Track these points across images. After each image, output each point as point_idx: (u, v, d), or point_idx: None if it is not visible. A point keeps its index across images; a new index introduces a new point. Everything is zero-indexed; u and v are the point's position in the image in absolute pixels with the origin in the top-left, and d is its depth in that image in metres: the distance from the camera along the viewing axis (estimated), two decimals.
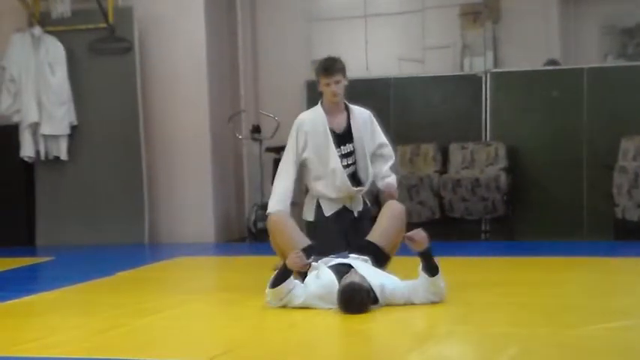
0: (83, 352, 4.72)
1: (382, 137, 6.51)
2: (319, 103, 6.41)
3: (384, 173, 6.45)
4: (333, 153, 6.25)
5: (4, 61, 10.25)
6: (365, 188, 6.36)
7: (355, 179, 6.32)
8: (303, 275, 5.73)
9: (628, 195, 9.12)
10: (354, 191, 6.28)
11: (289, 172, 6.37)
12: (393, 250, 6.09)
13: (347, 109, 6.39)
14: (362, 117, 6.41)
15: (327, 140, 6.27)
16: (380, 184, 6.46)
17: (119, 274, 7.69)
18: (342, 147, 6.29)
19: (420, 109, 10.33)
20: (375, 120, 6.50)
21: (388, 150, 6.52)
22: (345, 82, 6.28)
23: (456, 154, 9.97)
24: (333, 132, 6.29)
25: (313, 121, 6.34)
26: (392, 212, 6.10)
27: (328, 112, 6.34)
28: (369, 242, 5.98)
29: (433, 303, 5.57)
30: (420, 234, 5.59)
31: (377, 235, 6.03)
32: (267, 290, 5.66)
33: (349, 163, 6.31)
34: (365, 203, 6.42)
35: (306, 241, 6.00)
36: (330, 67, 6.24)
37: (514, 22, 10.44)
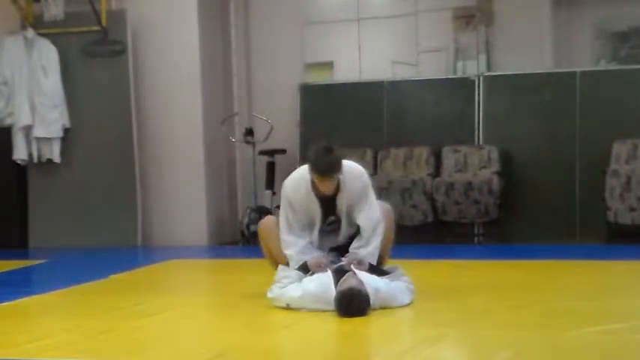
0: (78, 355, 4.71)
1: (362, 215, 5.93)
2: (309, 170, 5.84)
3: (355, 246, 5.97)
4: (316, 230, 5.92)
5: None
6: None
7: (335, 237, 6.02)
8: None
9: (620, 198, 9.14)
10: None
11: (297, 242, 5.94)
12: (385, 250, 6.05)
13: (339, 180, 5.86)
14: (354, 187, 5.89)
15: (315, 214, 5.90)
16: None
17: (112, 276, 7.68)
18: (328, 217, 5.94)
19: (413, 113, 10.33)
20: (368, 195, 5.95)
21: (368, 222, 5.94)
22: (339, 176, 5.78)
23: (448, 157, 9.98)
24: (322, 203, 5.87)
25: (302, 199, 5.89)
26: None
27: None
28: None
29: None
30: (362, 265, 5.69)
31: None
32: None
33: (332, 228, 5.99)
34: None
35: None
36: (326, 168, 5.73)
37: (507, 26, 10.45)
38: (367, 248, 5.88)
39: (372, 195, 5.99)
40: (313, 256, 5.80)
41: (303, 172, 5.91)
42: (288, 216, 5.94)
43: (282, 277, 5.79)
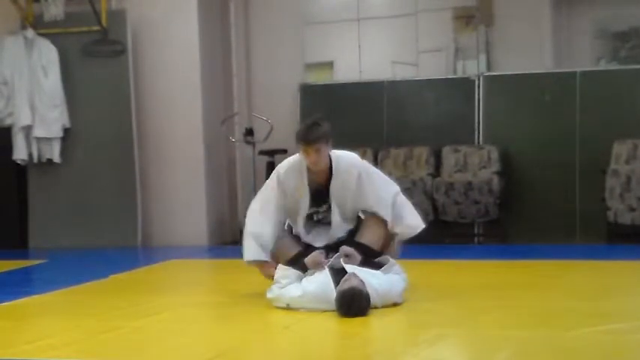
0: (78, 355, 4.71)
1: (371, 200, 5.93)
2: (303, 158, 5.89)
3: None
4: (302, 215, 5.94)
5: None
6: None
7: (327, 227, 6.00)
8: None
9: (620, 198, 9.14)
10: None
11: (270, 217, 5.96)
12: (385, 245, 6.02)
13: (331, 165, 5.88)
14: (347, 174, 5.88)
15: (304, 201, 5.91)
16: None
17: (113, 276, 7.68)
18: (318, 207, 5.95)
19: (413, 113, 10.34)
20: (370, 176, 5.97)
21: (383, 202, 5.96)
22: (328, 149, 5.80)
23: (448, 157, 9.99)
24: (312, 191, 5.90)
25: (295, 180, 5.93)
26: (375, 219, 6.03)
27: (310, 168, 5.89)
28: (358, 243, 5.93)
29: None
30: (353, 258, 5.69)
31: (364, 234, 5.97)
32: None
33: (321, 218, 5.99)
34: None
35: (296, 246, 6.00)
36: (308, 136, 5.74)
37: (507, 26, 10.45)
38: (403, 222, 5.95)
39: (376, 177, 6.00)
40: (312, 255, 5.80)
41: (300, 156, 5.93)
42: (269, 194, 5.98)
43: (282, 277, 5.78)
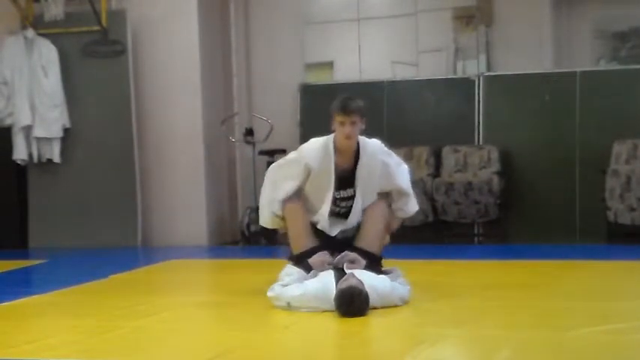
0: (78, 355, 4.71)
1: (399, 183, 6.02)
2: (332, 136, 5.91)
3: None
4: (328, 200, 5.89)
5: None
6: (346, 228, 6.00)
7: (345, 219, 5.99)
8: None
9: (620, 198, 9.14)
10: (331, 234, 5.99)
11: (291, 184, 5.97)
12: (381, 248, 6.03)
13: (358, 148, 5.92)
14: (374, 159, 5.94)
15: (328, 184, 5.87)
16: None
17: (113, 276, 7.68)
18: (341, 191, 5.91)
19: (413, 113, 10.35)
20: (392, 159, 6.05)
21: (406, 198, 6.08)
22: (361, 126, 5.86)
23: (449, 157, 9.99)
24: (338, 174, 5.88)
25: (321, 160, 5.88)
26: (375, 215, 6.00)
27: (338, 149, 5.88)
28: (359, 249, 5.92)
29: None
30: (357, 264, 5.71)
31: (365, 240, 5.96)
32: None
33: (345, 206, 5.95)
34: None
35: (309, 243, 5.99)
36: (347, 105, 5.78)
37: (507, 26, 10.45)
38: (408, 206, 6.06)
39: (394, 160, 6.07)
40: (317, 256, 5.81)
41: (327, 138, 5.92)
42: (288, 171, 5.98)
43: (285, 275, 5.79)
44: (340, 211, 5.98)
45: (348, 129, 5.78)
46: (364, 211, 6.00)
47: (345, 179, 5.90)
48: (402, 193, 6.05)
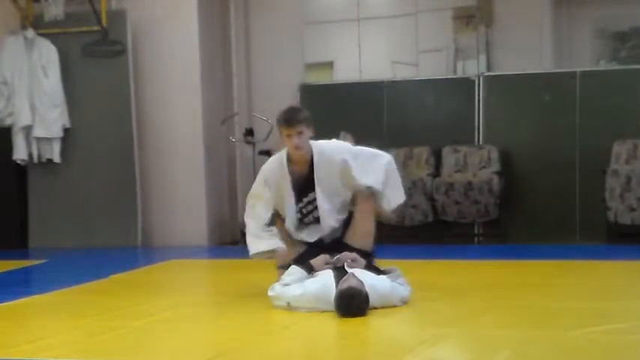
0: (78, 355, 4.71)
1: (363, 183, 5.94)
2: (285, 151, 5.99)
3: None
4: (291, 209, 5.97)
5: None
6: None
7: (319, 223, 6.01)
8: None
9: (620, 198, 9.14)
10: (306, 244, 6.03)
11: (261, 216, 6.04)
12: (371, 244, 6.06)
13: (312, 155, 5.93)
14: (331, 160, 5.92)
15: (288, 196, 5.95)
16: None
17: (112, 276, 7.69)
18: (303, 198, 5.96)
19: (413, 113, 10.34)
20: (356, 156, 5.98)
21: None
22: (309, 133, 5.87)
23: (449, 157, 9.99)
24: (295, 182, 5.94)
25: (277, 174, 5.99)
26: (362, 211, 6.01)
27: (292, 160, 5.95)
28: (350, 247, 5.94)
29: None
30: (357, 263, 5.71)
31: (355, 237, 5.99)
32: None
33: (310, 210, 5.99)
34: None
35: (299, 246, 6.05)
36: (291, 117, 5.83)
37: (507, 26, 10.45)
38: (387, 193, 6.00)
39: (364, 154, 6.02)
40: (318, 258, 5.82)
41: (281, 152, 6.02)
42: (257, 189, 6.06)
43: (287, 274, 5.79)
44: (311, 219, 6.01)
45: (295, 140, 5.84)
46: (352, 212, 6.02)
47: (306, 186, 5.95)
48: (374, 191, 6.00)
